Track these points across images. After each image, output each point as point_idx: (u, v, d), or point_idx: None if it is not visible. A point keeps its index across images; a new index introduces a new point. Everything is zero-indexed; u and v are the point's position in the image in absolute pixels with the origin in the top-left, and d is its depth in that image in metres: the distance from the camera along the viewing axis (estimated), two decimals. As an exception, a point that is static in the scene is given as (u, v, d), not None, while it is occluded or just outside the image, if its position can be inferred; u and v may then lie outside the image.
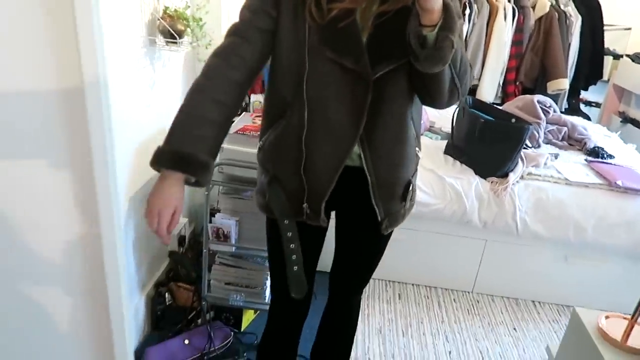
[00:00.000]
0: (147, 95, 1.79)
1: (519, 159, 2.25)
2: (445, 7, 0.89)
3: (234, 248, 1.86)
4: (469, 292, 2.43)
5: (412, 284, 2.44)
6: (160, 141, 1.05)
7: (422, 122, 1.22)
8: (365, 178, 1.10)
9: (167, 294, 1.94)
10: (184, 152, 0.99)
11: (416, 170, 1.22)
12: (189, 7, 1.90)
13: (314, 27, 0.98)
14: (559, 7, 3.35)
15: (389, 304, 2.28)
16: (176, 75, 2.07)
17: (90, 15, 1.19)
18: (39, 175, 1.36)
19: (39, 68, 1.25)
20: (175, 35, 1.75)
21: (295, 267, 1.15)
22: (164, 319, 1.91)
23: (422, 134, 1.26)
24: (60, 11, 1.21)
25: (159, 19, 1.76)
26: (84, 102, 1.29)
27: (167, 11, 1.79)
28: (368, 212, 1.14)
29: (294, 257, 1.15)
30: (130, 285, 1.79)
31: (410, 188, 1.17)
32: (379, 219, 1.15)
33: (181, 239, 2.15)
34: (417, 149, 1.17)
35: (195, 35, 1.87)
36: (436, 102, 1.07)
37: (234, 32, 1.05)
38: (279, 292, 1.31)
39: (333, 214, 1.27)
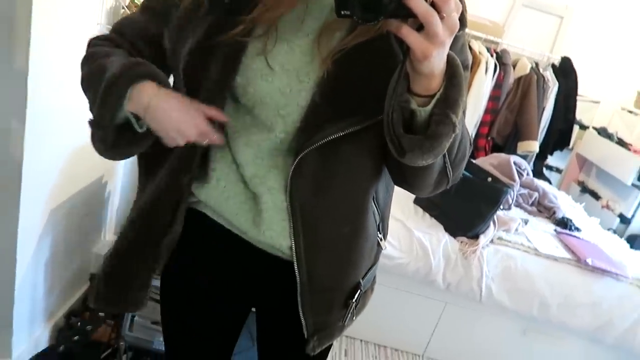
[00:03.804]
0: (94, 92, 1.52)
1: (491, 222, 2.13)
2: (451, 68, 0.59)
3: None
4: (419, 356, 2.24)
5: (361, 340, 2.23)
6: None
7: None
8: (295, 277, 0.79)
9: (80, 326, 1.64)
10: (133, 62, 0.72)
11: (374, 265, 0.89)
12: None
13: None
14: (539, 70, 3.34)
15: (334, 361, 2.06)
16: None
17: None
18: None
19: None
20: (140, 28, 1.51)
21: None
22: (72, 356, 1.60)
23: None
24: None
25: (123, 7, 1.52)
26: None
27: (135, 0, 1.55)
28: (293, 322, 0.81)
29: None
30: (32, 314, 1.48)
31: (358, 294, 0.84)
32: (305, 335, 0.82)
33: (109, 261, 1.85)
34: (379, 236, 0.87)
35: (163, 32, 1.63)
36: (415, 191, 0.80)
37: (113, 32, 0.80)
38: None
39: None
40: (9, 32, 1.12)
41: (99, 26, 1.44)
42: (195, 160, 0.75)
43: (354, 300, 0.84)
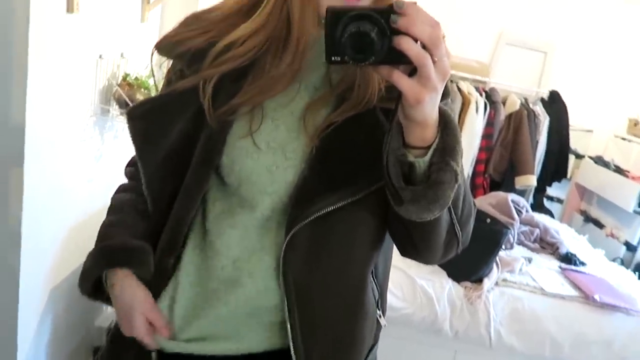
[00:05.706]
0: (91, 169, 1.56)
1: (494, 264, 2.12)
2: (444, 118, 0.59)
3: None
4: (434, 407, 2.18)
5: (373, 395, 2.17)
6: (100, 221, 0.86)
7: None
8: None
9: (84, 404, 1.62)
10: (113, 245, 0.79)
11: (374, 345, 0.83)
12: (152, 75, 1.73)
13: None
14: (528, 105, 3.40)
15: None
16: (129, 149, 1.85)
17: None
18: None
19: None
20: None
21: None
22: None
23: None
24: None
25: (116, 86, 1.58)
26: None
27: (127, 79, 1.61)
28: None
29: None
30: (36, 398, 1.46)
31: None
32: None
33: (112, 333, 1.84)
34: (378, 314, 0.81)
35: (156, 106, 1.69)
36: (424, 258, 0.74)
37: None
38: None
39: None
40: (5, 118, 1.16)
41: (92, 106, 1.49)
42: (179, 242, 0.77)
43: None
